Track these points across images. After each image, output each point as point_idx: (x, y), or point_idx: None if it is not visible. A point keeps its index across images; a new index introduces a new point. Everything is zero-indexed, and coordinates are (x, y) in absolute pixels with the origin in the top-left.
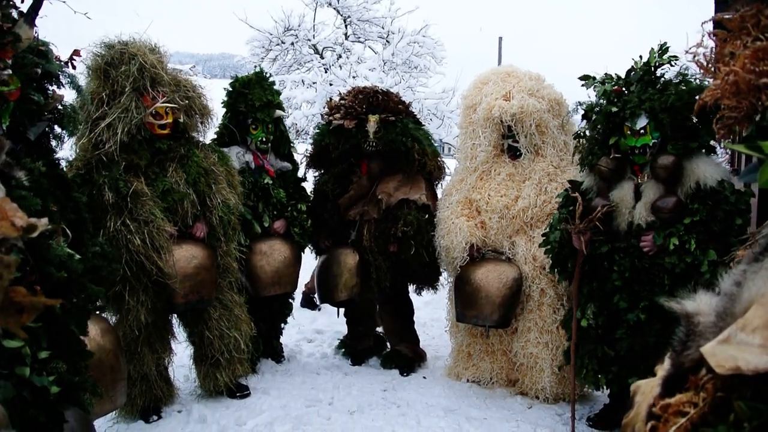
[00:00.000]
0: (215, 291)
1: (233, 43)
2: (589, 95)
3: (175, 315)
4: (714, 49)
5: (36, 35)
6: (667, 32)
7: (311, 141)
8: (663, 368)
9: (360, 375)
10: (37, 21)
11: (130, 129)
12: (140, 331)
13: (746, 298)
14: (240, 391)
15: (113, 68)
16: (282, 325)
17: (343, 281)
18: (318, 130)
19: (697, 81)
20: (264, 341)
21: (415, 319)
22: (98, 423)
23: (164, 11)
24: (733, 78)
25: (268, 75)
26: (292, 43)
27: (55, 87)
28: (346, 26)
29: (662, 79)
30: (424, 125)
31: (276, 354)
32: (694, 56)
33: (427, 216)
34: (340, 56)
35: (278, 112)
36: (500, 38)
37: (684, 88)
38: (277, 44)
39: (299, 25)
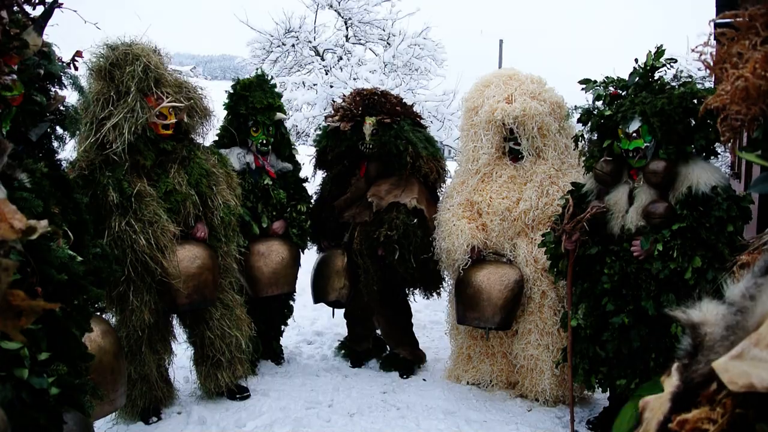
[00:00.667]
0: (217, 291)
1: (234, 44)
2: (588, 99)
3: (175, 316)
4: (720, 49)
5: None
6: (667, 33)
7: (313, 143)
8: (671, 383)
9: (360, 377)
10: (48, 29)
11: (135, 129)
12: (143, 331)
13: (759, 312)
14: (240, 393)
15: (118, 69)
16: (282, 326)
17: (331, 283)
18: (319, 132)
19: (695, 84)
20: (264, 343)
21: (414, 321)
22: (97, 424)
23: (165, 13)
24: (743, 83)
25: (269, 77)
26: (293, 45)
27: (57, 88)
28: (347, 28)
29: (659, 82)
30: (426, 127)
31: (276, 356)
32: (701, 55)
33: (416, 220)
34: (340, 58)
35: (279, 115)
36: (501, 41)
37: (677, 91)
38: (278, 46)
39: (300, 27)
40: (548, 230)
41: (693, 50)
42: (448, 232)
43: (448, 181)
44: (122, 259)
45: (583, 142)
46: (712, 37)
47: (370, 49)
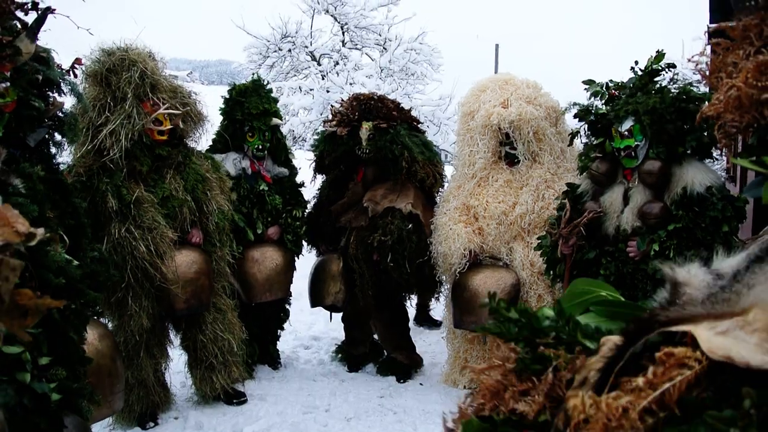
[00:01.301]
0: (212, 295)
1: (231, 49)
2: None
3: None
4: (715, 59)
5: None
6: (665, 37)
7: (311, 147)
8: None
9: (357, 382)
10: (42, 34)
11: (132, 135)
12: (141, 336)
13: (751, 300)
14: (237, 398)
15: (114, 75)
16: (279, 331)
17: (327, 287)
18: (317, 137)
19: (690, 87)
20: (261, 347)
21: (411, 325)
22: (95, 428)
23: (162, 17)
24: (735, 93)
25: (265, 83)
26: (290, 50)
27: (55, 94)
28: (343, 33)
29: (657, 85)
30: (423, 132)
31: (273, 360)
32: (696, 65)
33: (411, 225)
34: (337, 63)
35: (275, 121)
36: (497, 45)
37: (670, 92)
38: (275, 51)
39: (296, 32)
40: (544, 234)
41: (689, 60)
42: (444, 236)
43: (445, 185)
44: (122, 265)
45: (578, 139)
46: (707, 44)
47: (366, 53)
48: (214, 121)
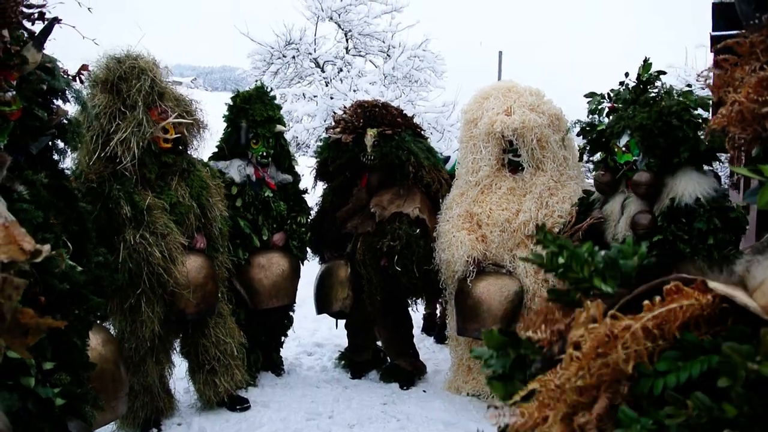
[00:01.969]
0: (218, 299)
1: (235, 56)
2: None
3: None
4: (722, 74)
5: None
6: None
7: (314, 154)
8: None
9: (360, 388)
10: (47, 42)
11: (142, 143)
12: (152, 342)
13: (751, 284)
14: (240, 404)
15: (125, 83)
16: (282, 337)
17: (334, 293)
18: (320, 144)
19: (690, 92)
20: (264, 354)
21: (415, 332)
22: None
23: (165, 24)
24: (738, 107)
25: (269, 89)
26: (294, 57)
27: (60, 102)
28: (347, 40)
29: (651, 95)
30: (426, 138)
31: (276, 367)
32: (705, 80)
33: (419, 230)
34: (341, 70)
35: (279, 127)
36: (500, 52)
37: (666, 103)
38: (279, 58)
39: (300, 39)
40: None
41: (699, 75)
42: (447, 243)
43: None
44: (138, 271)
45: (587, 155)
46: (713, 51)
47: (370, 60)
48: (218, 127)
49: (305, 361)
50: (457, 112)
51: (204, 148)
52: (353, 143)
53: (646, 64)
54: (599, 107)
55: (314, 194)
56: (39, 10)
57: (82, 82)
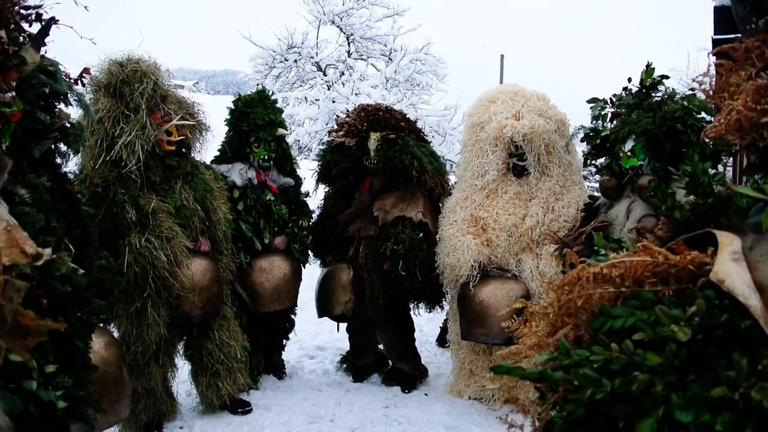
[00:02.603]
0: (222, 302)
1: (237, 59)
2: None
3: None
4: (718, 79)
5: (45, 53)
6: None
7: (316, 157)
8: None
9: (362, 392)
10: (46, 46)
11: (147, 147)
12: (157, 345)
13: (748, 260)
14: (241, 407)
15: (128, 86)
16: (284, 341)
17: (336, 296)
18: (323, 147)
19: (694, 96)
20: (265, 357)
21: (417, 336)
22: None
23: (167, 28)
24: (735, 116)
25: (270, 93)
26: (296, 61)
27: (62, 105)
28: (348, 44)
29: (654, 99)
30: (429, 142)
31: (278, 370)
32: (700, 85)
33: (422, 234)
34: (342, 73)
35: (280, 131)
36: (502, 56)
37: (669, 107)
38: (281, 61)
39: (302, 43)
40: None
41: (693, 80)
42: (452, 247)
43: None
44: (143, 275)
45: (591, 159)
46: (711, 62)
47: (371, 64)
48: (220, 131)
49: (307, 365)
50: (459, 115)
51: (207, 150)
52: (356, 147)
53: (649, 69)
54: (602, 113)
55: (316, 197)
56: (36, 11)
57: (83, 85)
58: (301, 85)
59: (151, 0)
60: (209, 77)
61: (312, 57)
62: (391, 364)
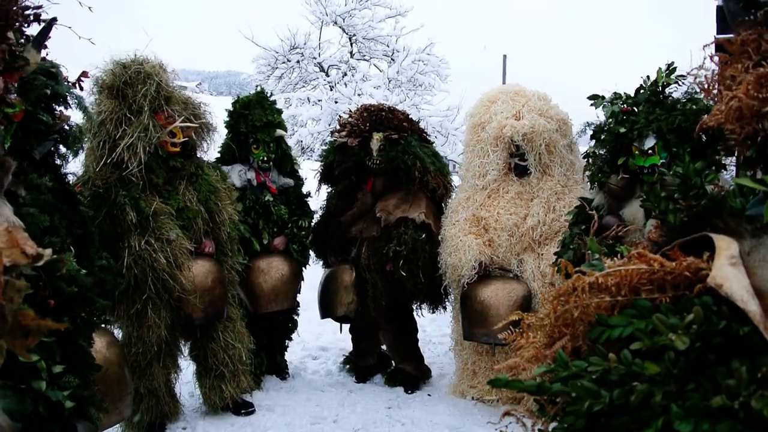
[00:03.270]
0: (226, 304)
1: (239, 60)
2: (598, 115)
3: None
4: (715, 72)
5: (45, 56)
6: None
7: (319, 158)
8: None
9: (365, 392)
10: (48, 45)
11: (149, 148)
12: (159, 347)
13: (746, 266)
14: (244, 408)
15: (131, 88)
16: (286, 341)
17: (339, 298)
18: (326, 147)
19: (704, 101)
20: (268, 358)
21: (420, 336)
22: None
23: (170, 28)
24: (736, 104)
25: (269, 94)
26: (298, 61)
27: (62, 107)
28: (351, 44)
29: (670, 98)
30: (432, 142)
31: (280, 371)
32: (695, 78)
33: (424, 235)
34: (345, 74)
35: (279, 132)
36: (504, 56)
37: (691, 107)
38: (283, 62)
39: (305, 44)
40: (560, 248)
41: (688, 73)
42: (454, 247)
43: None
44: (143, 277)
45: (593, 158)
46: (708, 56)
47: (374, 65)
48: (222, 132)
49: (310, 365)
50: (461, 115)
51: (213, 150)
52: (359, 147)
53: (671, 69)
54: (616, 112)
55: (318, 198)
56: (35, 11)
57: (81, 88)
58: (303, 86)
59: (151, 0)
60: (212, 78)
61: (314, 58)
62: (394, 364)
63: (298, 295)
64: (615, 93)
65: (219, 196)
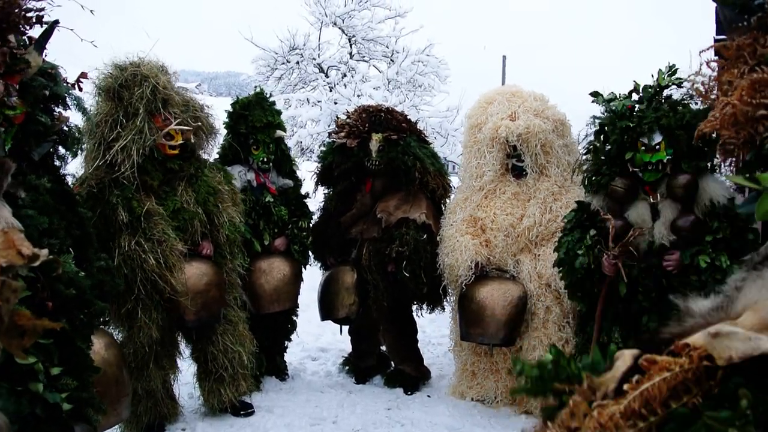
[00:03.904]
0: (223, 307)
1: (239, 61)
2: (602, 113)
3: (180, 332)
4: (712, 77)
5: (45, 57)
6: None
7: (317, 159)
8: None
9: (364, 393)
10: (48, 47)
11: (143, 151)
12: (150, 348)
13: (742, 303)
14: (244, 409)
15: (127, 90)
16: (286, 342)
17: (340, 299)
18: (324, 148)
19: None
20: (268, 359)
21: (420, 337)
22: None
23: (169, 29)
24: (731, 110)
25: (268, 95)
26: (298, 62)
27: (61, 109)
28: (350, 45)
29: (670, 99)
30: (430, 143)
31: (280, 372)
32: (693, 84)
33: (425, 236)
34: (344, 75)
35: (279, 133)
36: (504, 57)
37: (695, 107)
38: (283, 63)
39: (304, 45)
40: (562, 254)
41: (686, 79)
42: (451, 247)
43: (452, 196)
44: (132, 277)
45: (594, 155)
46: (709, 60)
47: (373, 65)
48: (222, 133)
49: (309, 366)
50: (461, 116)
51: (215, 151)
52: (358, 148)
53: (672, 70)
54: (623, 110)
55: (315, 199)
56: (37, 14)
57: (80, 89)
58: (303, 87)
59: (150, 1)
60: (212, 79)
61: (314, 59)
62: (393, 365)
63: (299, 295)
64: (611, 93)
65: (219, 198)
